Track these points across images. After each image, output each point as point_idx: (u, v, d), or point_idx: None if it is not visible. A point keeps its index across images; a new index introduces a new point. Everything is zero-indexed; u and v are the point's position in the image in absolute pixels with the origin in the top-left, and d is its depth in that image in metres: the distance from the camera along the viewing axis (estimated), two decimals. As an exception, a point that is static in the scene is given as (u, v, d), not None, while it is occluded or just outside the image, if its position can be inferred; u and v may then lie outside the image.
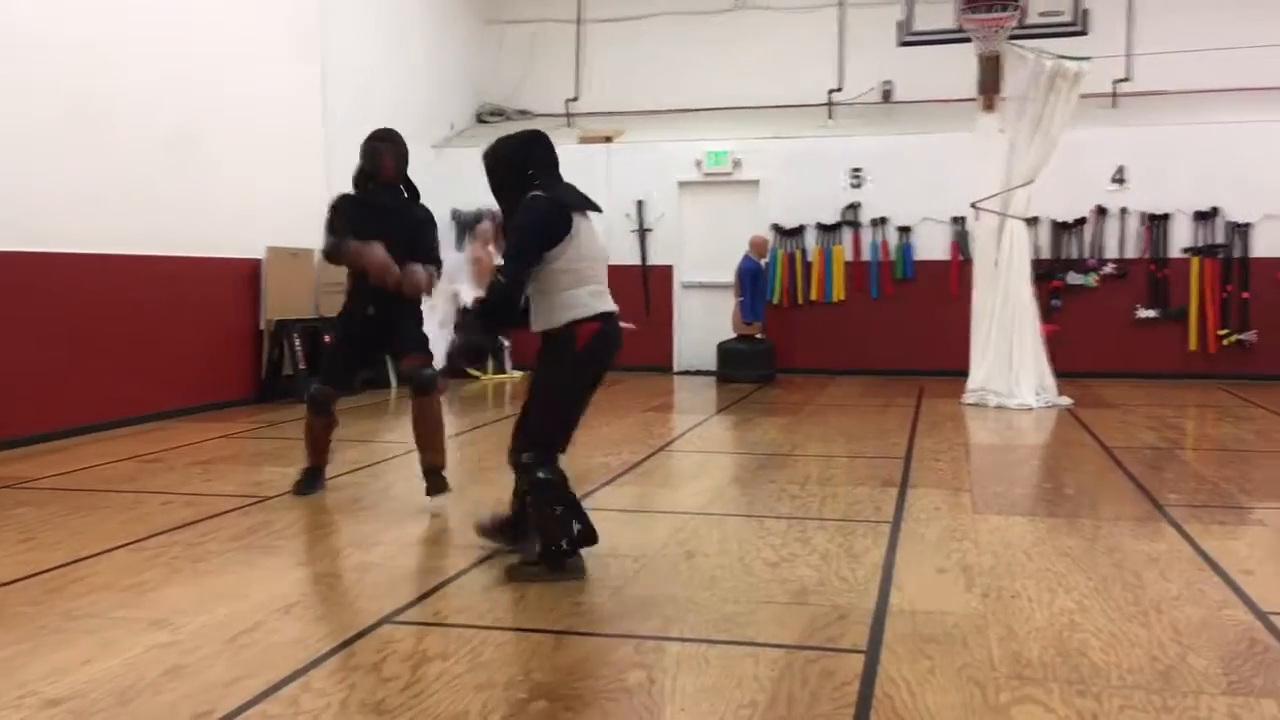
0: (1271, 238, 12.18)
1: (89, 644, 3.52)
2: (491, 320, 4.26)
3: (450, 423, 9.74)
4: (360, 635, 3.60)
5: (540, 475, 4.14)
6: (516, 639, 3.57)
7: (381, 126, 5.87)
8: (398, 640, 3.56)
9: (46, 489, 6.21)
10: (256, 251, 10.21)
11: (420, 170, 15.66)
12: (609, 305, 4.26)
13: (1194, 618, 3.78)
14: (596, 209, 4.34)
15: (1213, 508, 5.67)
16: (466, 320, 4.45)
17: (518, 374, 12.89)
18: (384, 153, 5.72)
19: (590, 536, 4.29)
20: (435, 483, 5.63)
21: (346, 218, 5.67)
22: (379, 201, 5.73)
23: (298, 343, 10.35)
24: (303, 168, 10.93)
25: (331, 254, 5.66)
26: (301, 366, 10.32)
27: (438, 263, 5.80)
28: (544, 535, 4.20)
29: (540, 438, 4.19)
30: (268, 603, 3.97)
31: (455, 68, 14.53)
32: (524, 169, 4.28)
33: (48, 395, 7.97)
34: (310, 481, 5.95)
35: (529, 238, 4.13)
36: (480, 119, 15.01)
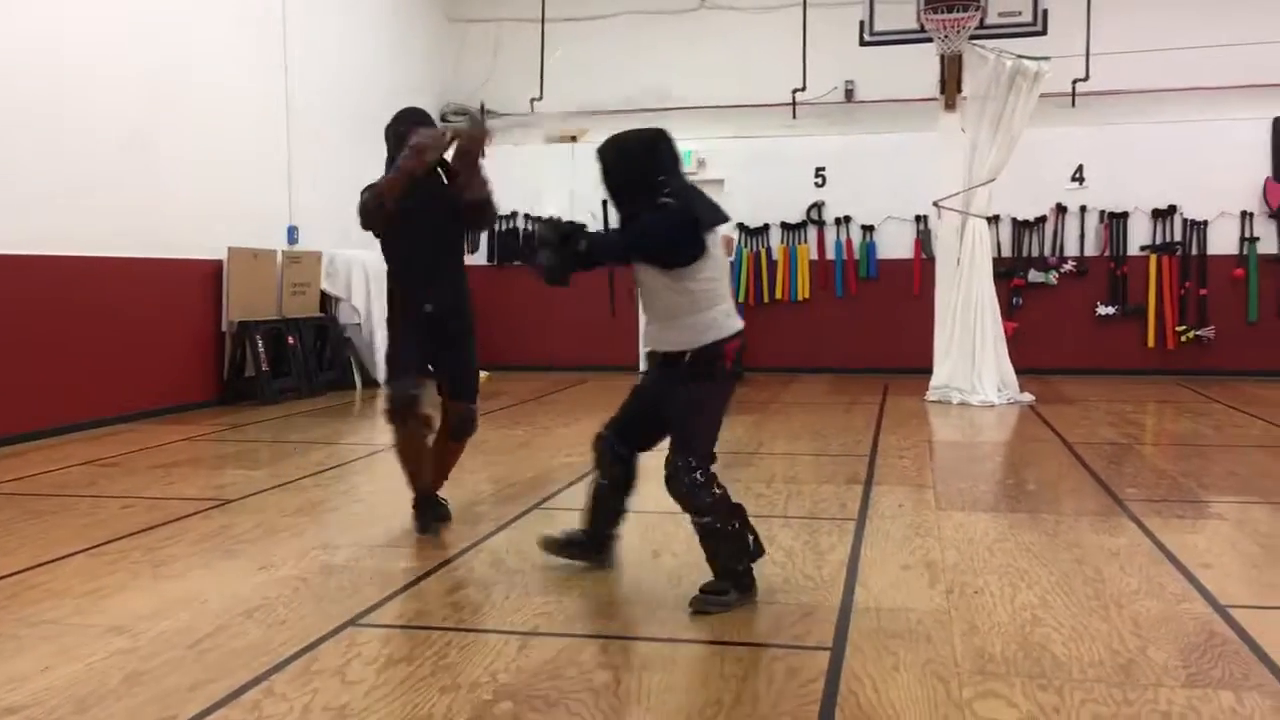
0: (1227, 235, 12.36)
1: (47, 650, 3.48)
2: (582, 264, 4.01)
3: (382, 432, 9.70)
4: (324, 639, 3.58)
5: (715, 493, 3.99)
6: (482, 641, 3.56)
7: (409, 108, 5.27)
8: (362, 643, 3.53)
9: (1, 494, 6.12)
10: (218, 252, 10.11)
11: (383, 170, 15.46)
12: (740, 322, 4.17)
13: (1154, 611, 3.83)
14: (726, 219, 4.22)
15: (1172, 502, 5.74)
16: (568, 251, 3.98)
17: (485, 374, 12.82)
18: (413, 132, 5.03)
19: (760, 548, 4.13)
20: (439, 511, 5.25)
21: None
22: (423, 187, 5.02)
23: (260, 344, 10.26)
24: (265, 167, 10.84)
25: (376, 198, 4.96)
26: (265, 368, 10.23)
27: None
28: (727, 555, 3.99)
29: (704, 454, 4.03)
30: (230, 607, 3.93)
31: (419, 66, 14.45)
32: (654, 171, 4.02)
33: (1, 399, 7.85)
34: (426, 516, 5.16)
35: (653, 243, 3.95)
36: (444, 118, 14.91)
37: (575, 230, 4.01)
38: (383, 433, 9.23)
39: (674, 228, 3.94)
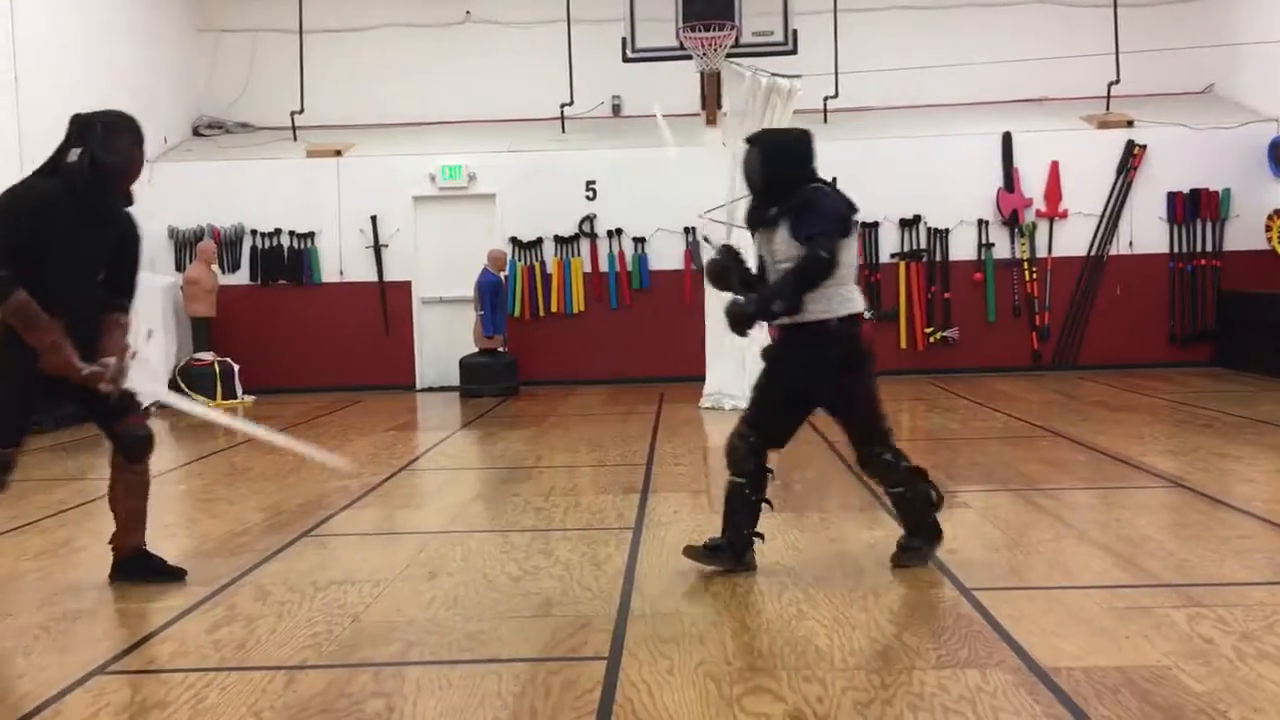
0: (967, 242, 13.28)
1: None
2: (803, 291, 4.31)
3: (174, 454, 9.18)
4: (68, 690, 3.32)
5: (905, 465, 4.49)
6: (244, 679, 3.39)
7: (116, 109, 4.63)
8: (111, 692, 3.30)
9: None
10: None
11: (135, 186, 14.61)
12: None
13: (907, 598, 4.07)
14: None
15: (924, 494, 6.09)
16: (776, 288, 4.34)
17: (249, 399, 12.30)
18: (138, 155, 4.47)
19: (941, 497, 4.59)
20: (146, 565, 4.58)
21: (48, 230, 4.19)
22: (101, 212, 4.36)
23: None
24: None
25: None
26: (0, 401, 9.43)
27: (131, 294, 4.62)
28: (919, 513, 4.52)
29: (884, 433, 4.52)
30: (-40, 664, 3.60)
31: (166, 78, 13.71)
32: (808, 160, 4.56)
33: None
34: (138, 573, 4.60)
35: (838, 221, 4.36)
36: (197, 132, 14.23)
37: (741, 269, 4.67)
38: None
39: (843, 204, 4.44)
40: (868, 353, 4.54)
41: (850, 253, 4.42)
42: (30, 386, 4.30)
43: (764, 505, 4.55)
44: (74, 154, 4.30)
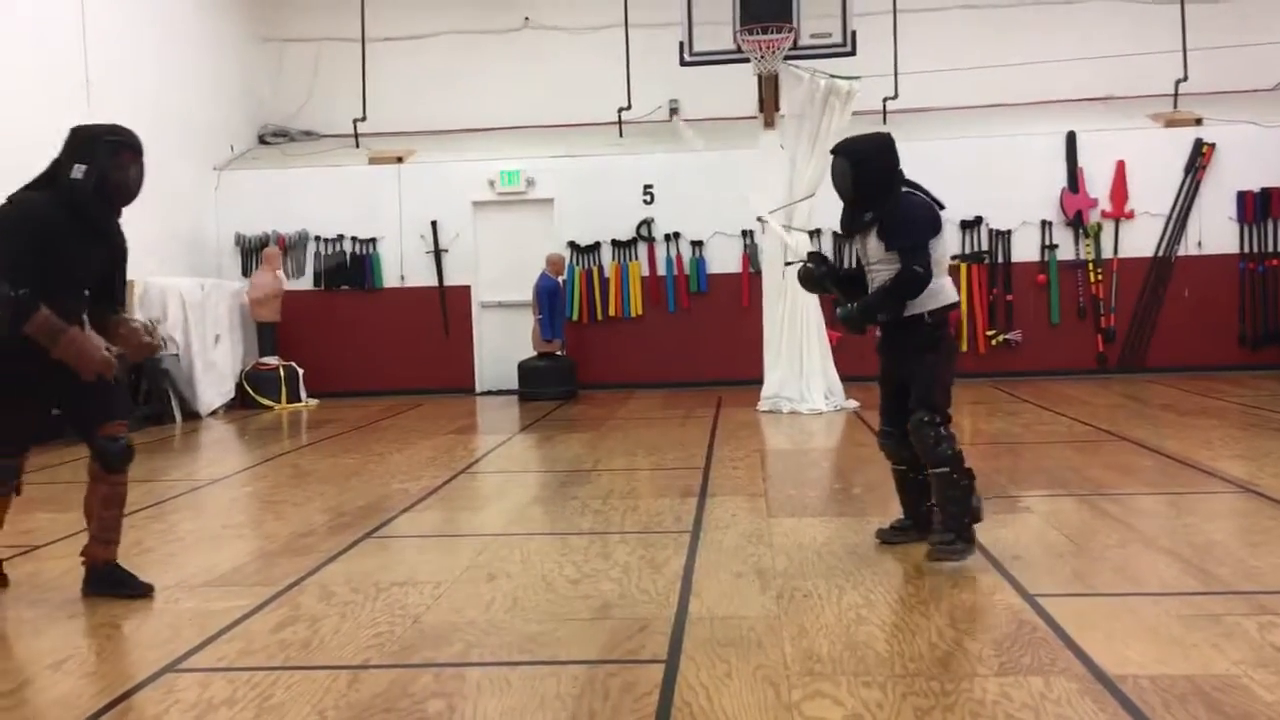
0: (1030, 243, 13.10)
1: None
2: (901, 301, 4.59)
3: (240, 457, 9.36)
4: (139, 687, 3.40)
5: (954, 449, 4.50)
6: (309, 678, 3.45)
7: (115, 124, 4.56)
8: (181, 689, 3.38)
9: None
10: (18, 284, 9.53)
11: (202, 193, 15.08)
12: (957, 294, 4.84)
13: (968, 604, 4.01)
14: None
15: (985, 498, 5.98)
16: (878, 301, 4.64)
17: (313, 402, 12.50)
18: (139, 170, 4.39)
19: (981, 513, 4.59)
20: (115, 579, 4.43)
21: (51, 246, 4.16)
22: (100, 229, 4.34)
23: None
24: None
25: (16, 319, 4.06)
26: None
27: (122, 304, 4.60)
28: (956, 507, 4.47)
29: (943, 407, 4.57)
30: (35, 659, 3.70)
31: (233, 87, 14.00)
32: (894, 164, 4.72)
33: None
34: (105, 587, 4.47)
35: (928, 227, 4.61)
36: (263, 140, 14.51)
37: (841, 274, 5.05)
38: (207, 466, 8.93)
39: (930, 210, 4.65)
40: (952, 339, 4.81)
41: (942, 248, 4.67)
42: (25, 397, 4.29)
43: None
44: (78, 170, 4.21)
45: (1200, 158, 12.76)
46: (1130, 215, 12.91)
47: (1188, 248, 12.85)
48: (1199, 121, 12.87)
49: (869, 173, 4.68)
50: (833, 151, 4.79)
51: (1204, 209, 12.80)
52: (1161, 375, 12.36)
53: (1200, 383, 11.51)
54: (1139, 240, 12.92)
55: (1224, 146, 12.69)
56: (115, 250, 4.45)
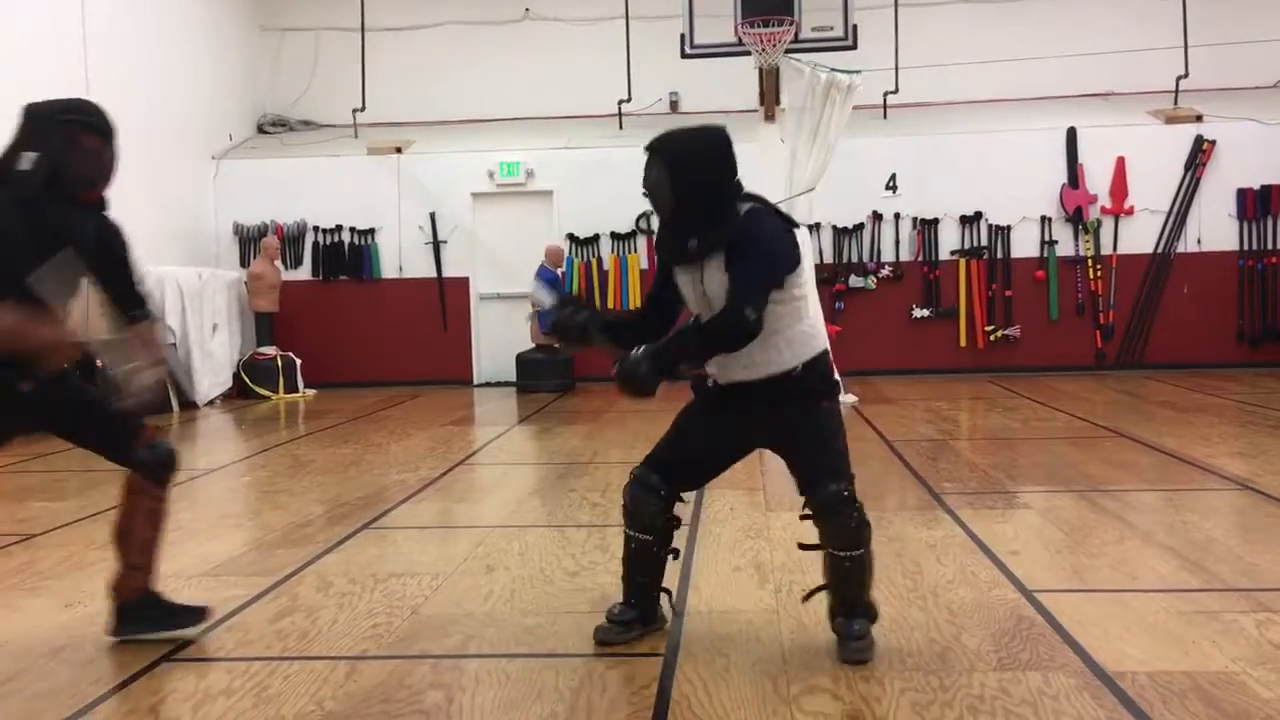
0: (1029, 239, 13.10)
1: None
2: (703, 359, 3.49)
3: (237, 446, 9.35)
4: (136, 676, 3.40)
5: (869, 522, 3.50)
6: (306, 668, 3.44)
7: (78, 98, 3.72)
8: (177, 679, 3.37)
9: None
10: (15, 272, 9.52)
11: (200, 182, 15.05)
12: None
13: (967, 599, 4.01)
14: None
15: (983, 494, 6.03)
16: (681, 345, 3.43)
17: (311, 392, 12.49)
18: (109, 155, 3.61)
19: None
20: (158, 609, 3.78)
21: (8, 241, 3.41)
22: (67, 222, 3.54)
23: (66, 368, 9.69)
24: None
25: None
26: (71, 393, 9.67)
27: (142, 300, 3.89)
28: (867, 586, 3.53)
29: (847, 469, 3.50)
30: (32, 648, 3.69)
31: (231, 76, 13.97)
32: (733, 172, 3.50)
33: None
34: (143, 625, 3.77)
35: (778, 261, 3.40)
36: (261, 129, 14.47)
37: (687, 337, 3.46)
38: (204, 456, 8.91)
39: (783, 235, 3.46)
40: (836, 384, 3.64)
41: (805, 284, 3.50)
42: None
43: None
44: (27, 159, 3.43)
45: (1200, 154, 12.76)
46: (1130, 211, 12.91)
47: (1187, 244, 12.85)
48: (1199, 118, 12.87)
49: (694, 184, 3.43)
50: (647, 149, 3.53)
51: (1204, 206, 12.80)
52: (1160, 372, 12.36)
53: (1198, 379, 11.52)
54: (1138, 236, 12.92)
55: (1224, 143, 12.68)
56: (99, 246, 3.69)
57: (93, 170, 3.55)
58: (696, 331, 3.46)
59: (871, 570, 3.52)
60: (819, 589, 3.56)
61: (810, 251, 3.63)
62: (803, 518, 3.51)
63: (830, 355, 3.68)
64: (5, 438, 3.77)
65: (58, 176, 3.46)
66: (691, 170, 3.45)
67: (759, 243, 3.39)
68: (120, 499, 3.81)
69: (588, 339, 3.59)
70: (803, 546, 3.65)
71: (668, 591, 3.75)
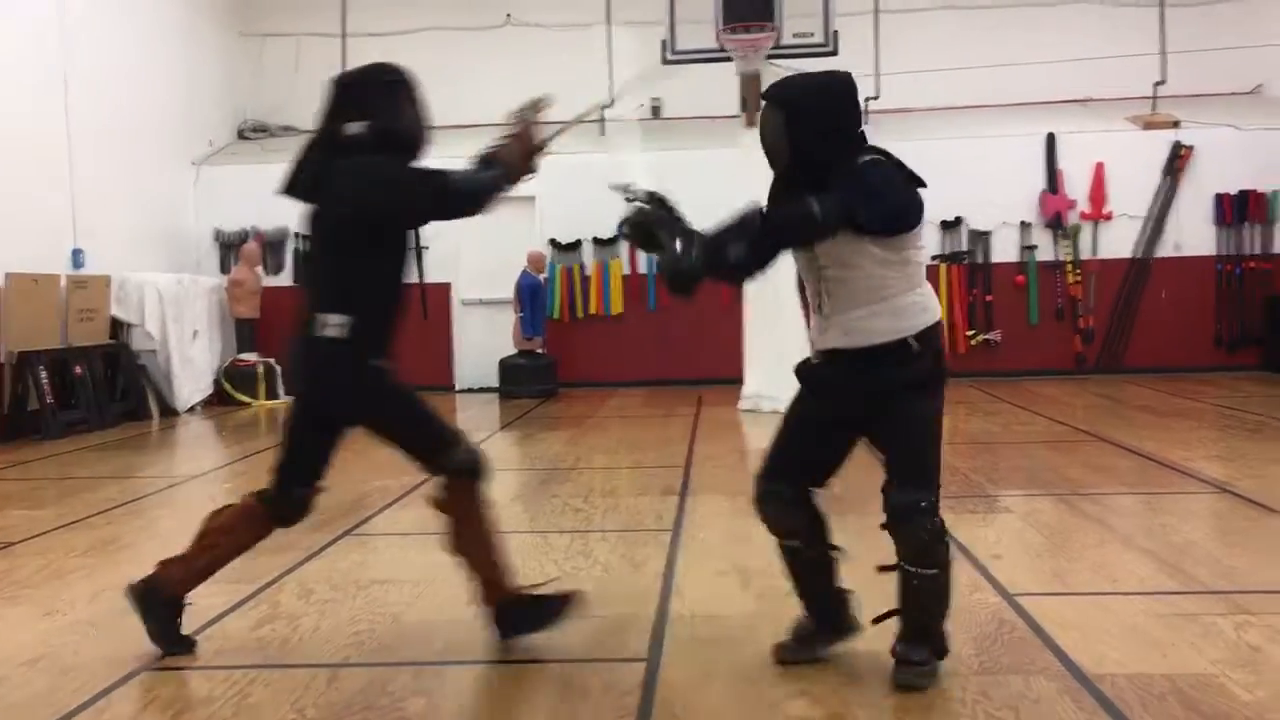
0: (1009, 244, 13.16)
1: None
2: (771, 243, 3.18)
3: (220, 452, 9.30)
4: (115, 686, 3.37)
5: (948, 540, 3.22)
6: (288, 676, 3.43)
7: (382, 64, 3.95)
8: (158, 687, 3.35)
9: None
10: (-7, 278, 9.45)
11: (181, 188, 14.98)
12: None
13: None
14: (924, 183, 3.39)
15: (964, 498, 6.05)
16: (734, 229, 3.18)
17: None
18: (423, 109, 3.92)
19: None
20: (538, 609, 3.76)
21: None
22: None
23: (44, 375, 9.63)
24: (43, 188, 10.19)
25: (498, 185, 3.73)
26: (49, 400, 9.60)
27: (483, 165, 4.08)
28: (939, 617, 3.25)
29: (935, 478, 3.23)
30: (10, 657, 3.67)
31: (211, 82, 13.90)
32: (854, 122, 3.25)
33: None
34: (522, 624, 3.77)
35: (877, 200, 3.13)
36: (242, 135, 14.41)
37: (673, 217, 3.26)
38: (185, 462, 8.86)
39: (902, 184, 3.23)
40: (944, 368, 3.31)
41: (920, 250, 3.29)
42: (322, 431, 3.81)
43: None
44: (354, 127, 3.63)
45: (1178, 160, 12.86)
46: (1109, 217, 13.00)
47: (1165, 249, 12.94)
48: (1177, 124, 12.96)
49: (810, 133, 3.19)
50: (763, 96, 3.33)
51: (1181, 211, 12.89)
52: (1139, 376, 12.44)
53: (1177, 383, 11.60)
54: (1117, 241, 13.01)
55: (1202, 149, 12.79)
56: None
57: (416, 131, 3.82)
58: (755, 214, 3.19)
59: (944, 598, 3.23)
60: (890, 613, 3.30)
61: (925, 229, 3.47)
62: (882, 526, 3.28)
63: (943, 333, 3.32)
64: (355, 421, 3.75)
65: (387, 139, 3.63)
66: (808, 118, 3.19)
67: (864, 177, 3.16)
68: (457, 512, 3.72)
69: (660, 244, 3.31)
70: (881, 569, 3.30)
71: (849, 592, 3.51)
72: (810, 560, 3.46)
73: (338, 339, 3.50)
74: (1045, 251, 13.12)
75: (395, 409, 3.73)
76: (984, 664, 3.39)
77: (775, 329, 10.67)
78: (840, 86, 3.29)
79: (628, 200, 3.49)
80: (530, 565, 4.74)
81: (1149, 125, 13.08)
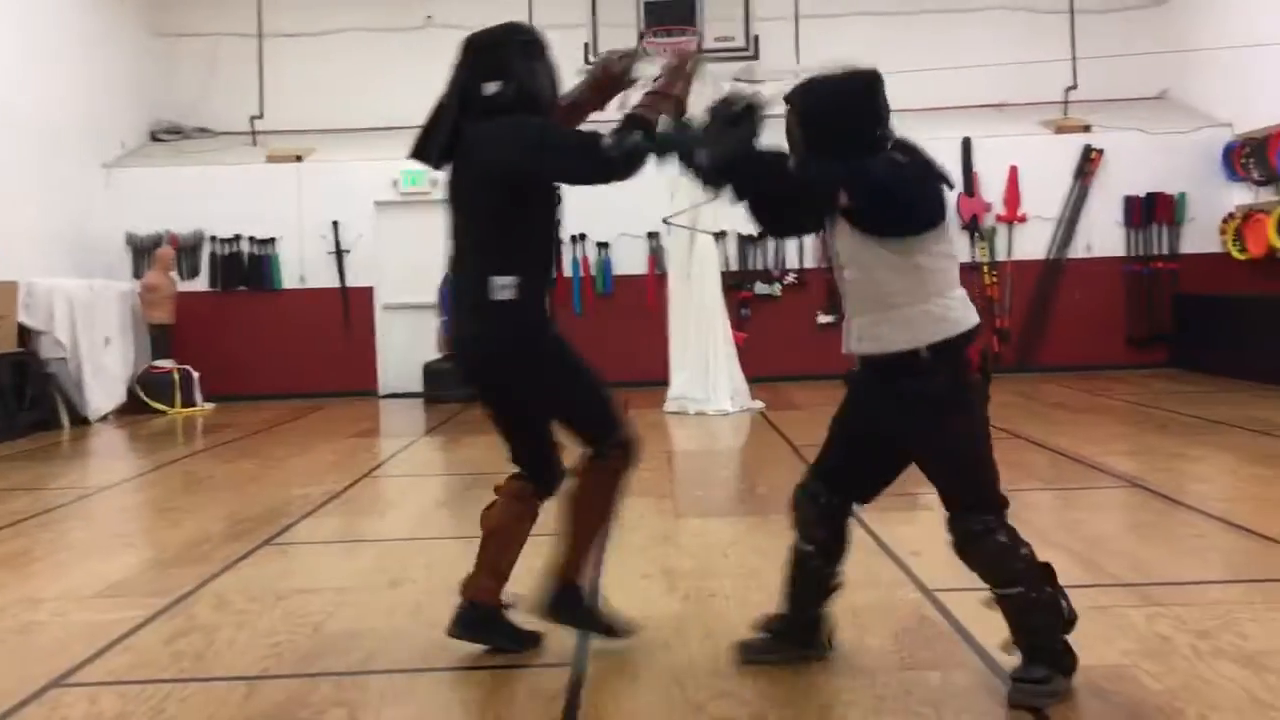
0: (928, 246, 13.38)
1: None
2: (750, 163, 3.12)
3: (133, 462, 9.07)
4: (23, 704, 3.26)
5: (1026, 556, 3.09)
6: (204, 690, 3.35)
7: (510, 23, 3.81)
8: (68, 705, 3.25)
9: None
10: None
11: (91, 191, 14.60)
12: (977, 316, 3.26)
13: (870, 600, 4.07)
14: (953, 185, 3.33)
15: (886, 495, 6.11)
16: (720, 133, 3.16)
17: (209, 406, 12.16)
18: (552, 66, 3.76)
19: (1073, 611, 3.17)
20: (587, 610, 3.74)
21: None
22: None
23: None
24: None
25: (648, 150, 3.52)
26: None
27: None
28: (1045, 631, 3.10)
29: (998, 502, 3.15)
30: (-90, 679, 3.53)
31: (123, 83, 13.55)
32: (875, 123, 3.18)
33: None
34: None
35: (890, 191, 3.04)
36: (155, 137, 14.07)
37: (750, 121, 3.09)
38: (97, 473, 8.61)
39: (912, 179, 3.10)
40: (976, 386, 3.16)
41: (938, 254, 3.21)
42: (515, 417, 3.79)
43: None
44: (491, 87, 3.56)
45: (1089, 163, 13.19)
46: (1023, 219, 13.29)
47: (1077, 250, 13.26)
48: (1088, 128, 13.30)
49: (826, 134, 3.16)
50: (785, 99, 3.31)
51: (1092, 213, 13.23)
52: (1054, 374, 12.73)
53: (1090, 381, 11.90)
54: (1031, 243, 13.30)
55: (1111, 152, 13.14)
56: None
57: (551, 89, 3.70)
58: (779, 159, 3.12)
59: (1041, 612, 3.09)
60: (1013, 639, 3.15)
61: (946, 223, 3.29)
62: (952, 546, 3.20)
63: (970, 345, 3.16)
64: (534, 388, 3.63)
65: (527, 100, 3.56)
66: (823, 118, 3.18)
67: (869, 168, 3.06)
68: (586, 484, 3.64)
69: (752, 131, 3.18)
70: (988, 604, 3.20)
71: (825, 618, 3.46)
72: (814, 572, 3.42)
73: (510, 300, 3.46)
74: (962, 254, 13.37)
75: (575, 377, 3.66)
76: (904, 660, 3.44)
77: (700, 332, 10.74)
78: (857, 86, 3.25)
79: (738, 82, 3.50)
80: (457, 571, 4.69)
81: (1061, 129, 13.41)
